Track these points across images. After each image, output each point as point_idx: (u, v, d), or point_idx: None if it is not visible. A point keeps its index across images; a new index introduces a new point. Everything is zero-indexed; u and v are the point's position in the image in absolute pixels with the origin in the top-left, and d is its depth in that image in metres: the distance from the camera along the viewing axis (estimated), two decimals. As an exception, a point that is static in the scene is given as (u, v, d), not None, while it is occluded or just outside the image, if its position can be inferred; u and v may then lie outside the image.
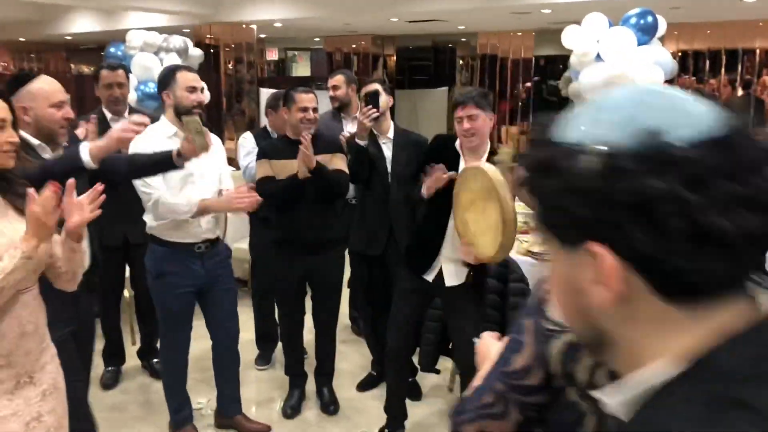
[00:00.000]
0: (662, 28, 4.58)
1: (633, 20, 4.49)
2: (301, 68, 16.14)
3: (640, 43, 4.42)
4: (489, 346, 1.29)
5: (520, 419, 1.05)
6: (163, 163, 2.68)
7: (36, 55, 16.21)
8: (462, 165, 2.96)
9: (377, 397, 3.76)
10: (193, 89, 2.99)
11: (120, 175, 2.70)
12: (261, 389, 3.96)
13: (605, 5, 4.83)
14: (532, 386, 1.02)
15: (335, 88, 4.10)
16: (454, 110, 2.89)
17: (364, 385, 3.93)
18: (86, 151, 2.31)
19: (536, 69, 12.54)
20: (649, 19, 4.50)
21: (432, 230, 3.02)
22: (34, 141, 2.39)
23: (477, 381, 1.17)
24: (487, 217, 2.62)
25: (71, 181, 1.95)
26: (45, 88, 2.41)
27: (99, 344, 3.93)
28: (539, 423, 1.07)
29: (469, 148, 2.92)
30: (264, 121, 4.35)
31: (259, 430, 3.38)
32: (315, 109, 3.34)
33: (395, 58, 14.38)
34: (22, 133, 2.29)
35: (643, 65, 4.30)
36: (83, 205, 1.95)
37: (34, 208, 1.75)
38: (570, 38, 4.55)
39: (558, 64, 12.92)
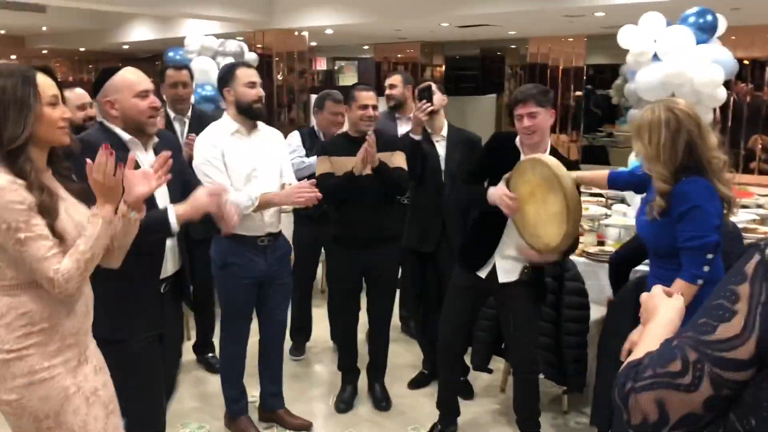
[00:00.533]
0: (722, 27, 4.47)
1: (692, 19, 4.40)
2: (348, 79, 16.29)
3: (698, 42, 4.33)
4: (660, 302, 1.20)
5: (711, 395, 0.94)
6: (158, 227, 2.36)
7: (94, 65, 16.74)
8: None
9: (428, 395, 3.75)
10: (253, 84, 3.04)
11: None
12: (303, 384, 3.99)
13: (661, 7, 4.75)
14: (738, 360, 0.92)
15: (392, 86, 4.17)
16: (513, 108, 2.85)
17: (416, 384, 3.92)
18: (174, 217, 2.30)
19: (585, 78, 12.38)
20: (709, 17, 4.40)
21: (488, 227, 3.00)
22: (125, 136, 2.36)
23: (648, 343, 1.07)
24: (549, 207, 2.60)
25: (132, 155, 2.01)
26: (128, 78, 2.36)
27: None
28: (733, 402, 0.95)
29: (529, 145, 2.89)
30: (313, 121, 4.43)
31: (300, 425, 3.39)
32: (375, 107, 3.39)
33: (443, 67, 14.39)
34: (113, 127, 2.37)
35: (702, 64, 4.21)
36: (149, 175, 2.00)
37: (95, 176, 1.83)
38: (626, 37, 4.49)
39: (607, 74, 12.77)
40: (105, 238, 1.83)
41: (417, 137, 3.52)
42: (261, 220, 3.07)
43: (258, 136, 3.11)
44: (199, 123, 3.72)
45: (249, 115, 3.05)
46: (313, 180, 3.07)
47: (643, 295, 1.28)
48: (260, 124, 3.17)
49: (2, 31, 13.41)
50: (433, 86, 3.59)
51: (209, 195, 2.37)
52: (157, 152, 2.42)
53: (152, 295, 2.43)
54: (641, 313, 1.23)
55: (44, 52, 14.88)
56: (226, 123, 3.08)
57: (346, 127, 3.74)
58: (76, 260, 1.77)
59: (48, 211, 1.76)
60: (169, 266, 2.49)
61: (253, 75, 3.07)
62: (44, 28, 12.41)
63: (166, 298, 2.50)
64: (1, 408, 1.82)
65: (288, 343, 4.16)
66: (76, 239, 1.81)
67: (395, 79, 4.20)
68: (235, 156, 3.00)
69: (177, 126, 3.85)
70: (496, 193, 2.80)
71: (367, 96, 3.36)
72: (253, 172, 3.02)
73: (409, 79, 4.23)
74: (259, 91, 3.06)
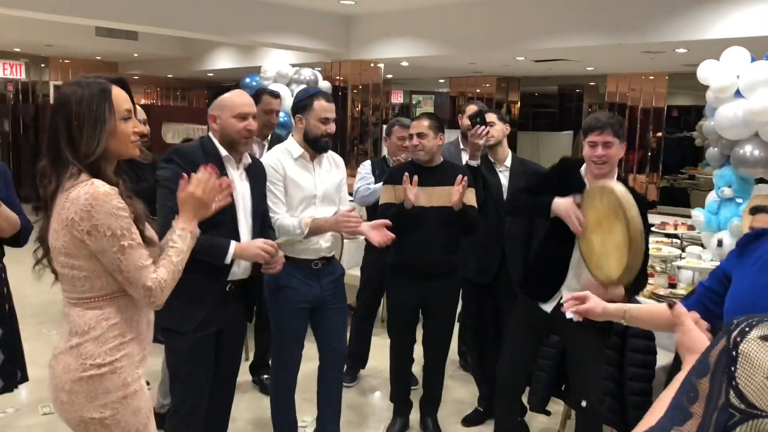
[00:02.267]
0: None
1: (778, 55, 4.21)
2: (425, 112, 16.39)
3: (786, 79, 4.12)
4: (695, 337, 1.10)
5: None
6: (215, 253, 2.53)
7: (181, 92, 17.48)
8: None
9: (479, 430, 3.64)
10: (326, 120, 3.04)
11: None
12: (354, 413, 3.93)
13: (746, 42, 4.56)
14: None
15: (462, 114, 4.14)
16: (588, 133, 2.76)
17: (470, 421, 3.81)
18: (231, 253, 2.51)
19: (668, 119, 11.99)
20: (797, 54, 4.20)
21: (554, 256, 2.88)
22: (223, 152, 2.61)
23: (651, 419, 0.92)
24: (614, 237, 2.49)
25: (227, 179, 2.13)
26: (233, 99, 2.62)
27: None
28: None
29: (596, 176, 2.78)
30: (384, 150, 4.46)
31: None
32: (421, 135, 3.34)
33: (519, 104, 14.28)
34: (214, 140, 2.63)
35: (788, 102, 4.00)
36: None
37: (195, 191, 1.93)
38: (707, 72, 4.32)
39: (691, 115, 12.35)
40: (189, 252, 1.90)
41: (475, 163, 3.46)
42: (317, 243, 3.07)
43: (320, 162, 3.13)
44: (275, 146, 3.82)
45: (314, 147, 3.07)
46: (386, 222, 3.05)
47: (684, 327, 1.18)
48: (330, 152, 3.21)
49: (98, 57, 14.20)
50: (493, 116, 3.57)
51: (262, 249, 2.54)
52: (249, 173, 2.67)
53: (218, 291, 2.59)
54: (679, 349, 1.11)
55: (136, 77, 15.65)
56: (291, 147, 3.10)
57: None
58: (171, 271, 1.81)
59: (140, 218, 1.80)
60: (239, 270, 2.63)
61: (328, 110, 3.06)
62: (136, 55, 13.07)
63: (231, 297, 2.66)
64: (89, 428, 1.77)
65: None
66: (157, 244, 1.86)
67: (468, 108, 4.14)
68: (295, 180, 3.02)
69: (256, 148, 3.93)
70: (566, 206, 2.68)
71: (415, 125, 3.38)
72: (312, 199, 3.05)
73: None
74: (330, 128, 3.06)
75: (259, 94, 4.01)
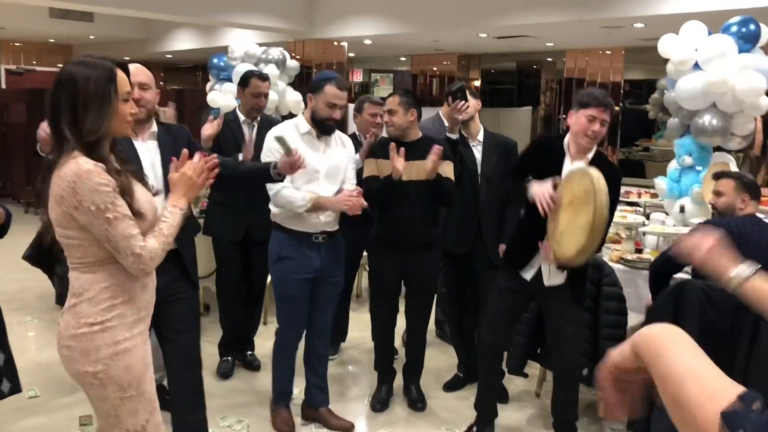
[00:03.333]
0: (765, 36, 4.45)
1: (734, 28, 4.40)
2: (384, 91, 16.43)
3: (741, 51, 4.32)
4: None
5: None
6: (262, 175, 2.90)
7: (137, 74, 17.11)
8: (566, 163, 2.98)
9: (463, 397, 3.79)
10: (333, 106, 3.14)
11: (223, 180, 2.84)
12: (339, 384, 4.04)
13: (702, 17, 4.74)
14: None
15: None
16: (588, 107, 2.87)
17: (451, 386, 3.96)
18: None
19: (623, 93, 12.27)
20: (751, 26, 4.39)
21: (533, 227, 3.02)
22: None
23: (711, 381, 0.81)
24: (579, 219, 2.63)
25: (185, 151, 2.19)
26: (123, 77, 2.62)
27: (217, 336, 4.18)
28: None
29: (581, 150, 2.93)
30: (353, 126, 4.51)
31: (342, 426, 3.43)
32: (391, 111, 3.45)
33: (479, 81, 14.42)
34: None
35: (744, 72, 4.20)
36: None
37: (187, 172, 2.05)
38: (667, 46, 4.50)
39: (643, 89, 12.65)
40: (179, 226, 2.02)
41: (454, 136, 3.58)
42: (317, 218, 3.18)
43: (327, 141, 3.22)
44: (268, 128, 3.84)
45: (320, 128, 3.18)
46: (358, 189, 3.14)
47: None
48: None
49: (52, 40, 13.85)
50: (464, 87, 3.67)
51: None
52: (161, 142, 2.70)
53: None
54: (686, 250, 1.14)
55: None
56: (300, 123, 3.22)
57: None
58: (162, 242, 1.94)
59: (127, 191, 1.88)
60: None
61: (338, 97, 3.14)
62: (92, 37, 12.79)
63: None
64: (86, 380, 1.92)
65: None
66: (151, 216, 1.96)
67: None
68: (302, 154, 3.08)
69: (246, 129, 3.95)
70: (539, 190, 2.82)
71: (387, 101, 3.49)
72: (315, 174, 3.13)
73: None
74: (336, 114, 3.15)
75: (247, 77, 4.03)
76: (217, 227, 4.02)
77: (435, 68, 13.97)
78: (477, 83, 14.20)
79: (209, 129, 3.78)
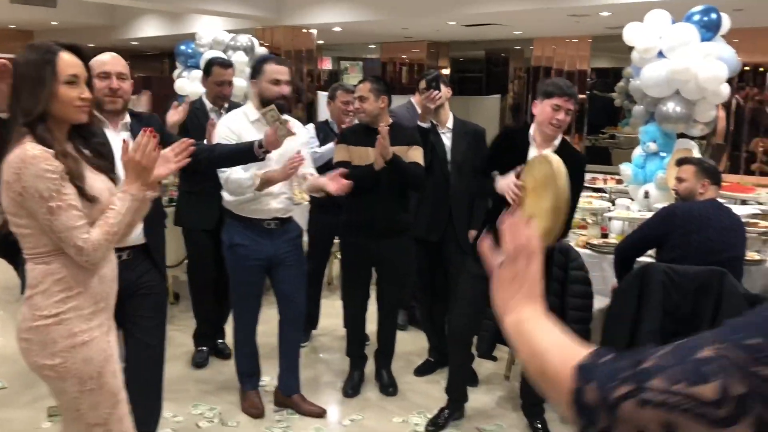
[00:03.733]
0: (726, 25, 4.55)
1: (696, 17, 4.48)
2: (353, 79, 16.38)
3: (703, 40, 4.41)
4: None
5: None
6: (244, 154, 2.89)
7: (102, 61, 16.80)
8: (532, 152, 3.02)
9: (434, 382, 3.84)
10: (276, 82, 3.13)
11: (202, 163, 2.84)
12: (311, 370, 4.07)
13: (666, 6, 4.82)
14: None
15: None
16: (553, 96, 2.93)
17: (421, 371, 4.00)
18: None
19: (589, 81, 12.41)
20: (713, 15, 4.48)
21: (500, 214, 3.06)
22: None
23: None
24: (542, 203, 2.68)
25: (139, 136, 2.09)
26: (96, 59, 2.56)
27: (192, 326, 4.15)
28: None
29: (546, 139, 2.98)
30: (326, 114, 4.51)
31: (314, 412, 3.45)
32: (362, 98, 3.46)
33: (448, 69, 14.46)
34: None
35: (706, 60, 4.29)
36: (169, 157, 2.11)
37: (134, 155, 1.93)
38: (632, 34, 4.57)
39: (610, 77, 12.83)
40: (131, 214, 1.93)
41: (425, 125, 3.60)
42: (268, 204, 3.18)
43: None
44: None
45: None
46: (343, 171, 3.12)
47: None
48: (286, 116, 3.25)
49: (12, 26, 13.52)
50: (439, 76, 3.70)
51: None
52: (133, 132, 2.61)
53: None
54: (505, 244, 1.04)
55: (49, 44, 14.96)
56: (248, 110, 3.20)
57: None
58: (106, 232, 1.87)
59: (76, 175, 1.84)
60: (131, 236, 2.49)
61: (279, 72, 3.15)
62: (54, 23, 12.52)
63: (127, 266, 2.50)
64: (44, 373, 1.89)
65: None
66: (108, 202, 1.90)
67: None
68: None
69: (214, 116, 3.91)
70: (505, 183, 2.87)
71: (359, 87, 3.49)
72: (267, 161, 3.08)
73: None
74: (283, 89, 3.14)
75: (209, 66, 3.99)
76: (188, 217, 3.99)
77: (404, 56, 13.98)
78: (446, 71, 14.24)
79: (174, 116, 3.75)
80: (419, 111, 4.41)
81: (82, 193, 1.84)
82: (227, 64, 4.02)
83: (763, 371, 0.68)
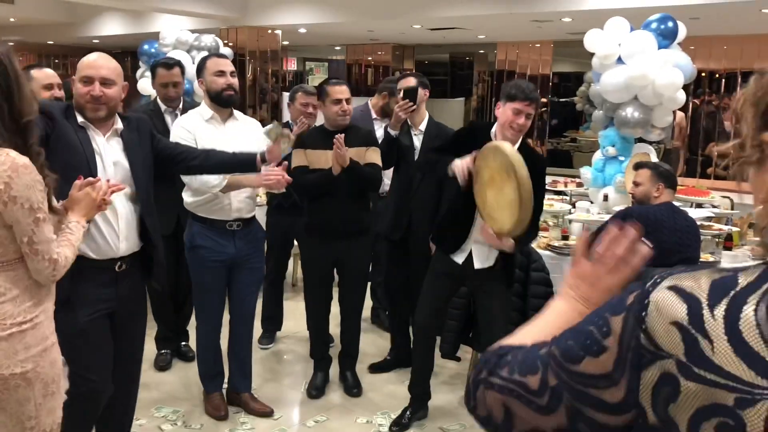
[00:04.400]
0: (682, 33, 4.69)
1: (654, 25, 4.61)
2: (318, 80, 16.31)
3: (660, 47, 4.53)
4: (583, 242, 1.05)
5: (566, 425, 0.82)
6: (244, 165, 2.94)
7: (62, 60, 16.52)
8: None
9: (398, 382, 3.87)
10: (221, 73, 3.14)
11: (193, 168, 2.90)
12: (275, 372, 4.07)
13: (625, 13, 4.94)
14: (604, 402, 0.79)
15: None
16: (514, 100, 2.95)
17: (378, 368, 4.03)
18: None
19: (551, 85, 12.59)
20: (670, 24, 4.61)
21: (462, 211, 3.11)
22: (79, 118, 2.44)
23: (534, 329, 0.98)
24: (505, 195, 2.72)
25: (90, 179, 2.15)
26: (81, 61, 2.48)
27: (154, 329, 4.07)
28: None
29: (510, 140, 3.02)
30: (287, 115, 4.52)
31: (262, 411, 3.45)
32: (348, 100, 3.48)
33: (413, 71, 14.54)
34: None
35: (663, 67, 4.41)
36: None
37: (91, 193, 2.03)
38: (592, 41, 4.67)
39: (571, 81, 13.05)
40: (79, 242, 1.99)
41: (395, 133, 3.64)
42: (229, 205, 3.18)
43: (234, 125, 3.21)
44: None
45: (219, 102, 3.15)
46: (284, 165, 3.10)
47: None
48: (237, 113, 3.27)
49: (-33, 22, 13.17)
50: (413, 80, 3.75)
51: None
52: (123, 138, 2.54)
53: (106, 271, 2.49)
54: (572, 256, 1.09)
55: (10, 44, 14.63)
56: (202, 110, 3.20)
57: (320, 120, 3.82)
58: (72, 253, 1.90)
59: (53, 190, 1.85)
60: (122, 246, 2.51)
61: (222, 64, 3.17)
62: (12, 20, 12.24)
63: (122, 276, 2.54)
64: (10, 383, 1.78)
65: (258, 331, 4.26)
66: (62, 212, 1.92)
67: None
68: (208, 142, 3.07)
69: (168, 118, 3.88)
70: (457, 163, 2.91)
71: (340, 90, 3.45)
72: None
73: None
74: (228, 80, 3.15)
75: (153, 68, 3.98)
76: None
77: (370, 58, 14.01)
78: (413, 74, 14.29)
79: None
80: (373, 114, 4.48)
81: (51, 207, 1.84)
82: (171, 65, 3.96)
83: (571, 367, 0.80)
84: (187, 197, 3.22)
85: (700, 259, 3.56)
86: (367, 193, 3.61)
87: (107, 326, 2.55)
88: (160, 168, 2.71)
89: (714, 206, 5.14)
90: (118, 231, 2.49)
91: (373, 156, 3.49)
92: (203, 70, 3.18)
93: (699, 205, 5.13)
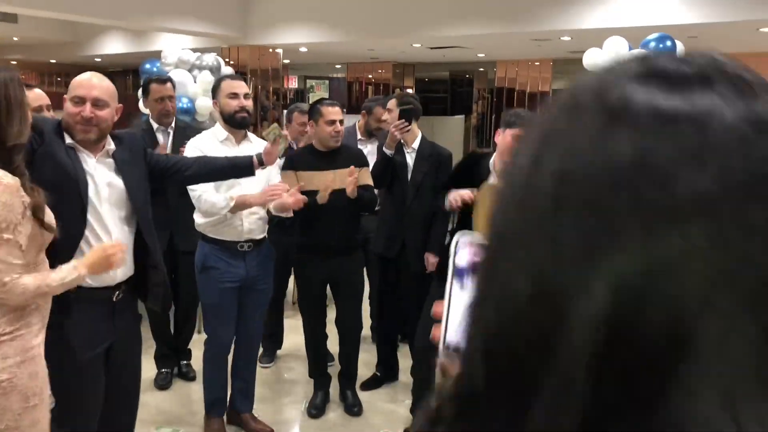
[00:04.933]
0: (680, 52, 4.71)
1: (652, 44, 4.64)
2: (317, 98, 16.42)
3: (659, 66, 4.56)
4: None
5: None
6: (242, 169, 2.89)
7: (64, 78, 16.62)
8: (490, 181, 3.07)
9: (399, 401, 3.85)
10: (234, 95, 3.15)
11: (189, 179, 2.87)
12: (276, 391, 4.05)
13: (624, 32, 4.98)
14: None
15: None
16: (510, 127, 2.95)
17: (367, 385, 4.01)
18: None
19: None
20: (668, 43, 4.64)
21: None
22: (68, 139, 2.37)
23: None
24: None
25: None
26: (74, 80, 2.42)
27: (151, 346, 4.04)
28: None
29: None
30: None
31: (262, 431, 3.43)
32: (341, 122, 3.49)
33: (413, 89, 14.62)
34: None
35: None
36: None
37: (111, 255, 2.05)
38: (591, 60, 4.70)
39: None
40: (67, 287, 1.98)
41: (390, 152, 3.66)
42: (241, 226, 3.17)
43: (248, 147, 3.21)
44: (183, 134, 3.81)
45: (232, 124, 3.16)
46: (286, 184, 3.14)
47: None
48: (251, 135, 3.30)
49: (-29, 41, 13.28)
50: (414, 104, 3.79)
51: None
52: (116, 158, 2.46)
53: (102, 302, 2.41)
54: None
55: (14, 63, 14.75)
56: (217, 131, 3.22)
57: (308, 139, 3.83)
58: (38, 286, 1.87)
59: (41, 209, 1.84)
60: (119, 271, 2.42)
61: (236, 87, 3.19)
62: (15, 39, 12.34)
63: (119, 306, 2.47)
64: None
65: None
66: (54, 230, 1.91)
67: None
68: None
69: (161, 137, 3.90)
70: (454, 193, 2.94)
71: (333, 111, 3.44)
72: (236, 180, 3.09)
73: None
74: (241, 102, 3.16)
75: (146, 84, 3.99)
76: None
77: (370, 76, 14.10)
78: (411, 91, 14.39)
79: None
80: (359, 135, 4.53)
81: (42, 224, 1.84)
82: (164, 80, 4.00)
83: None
84: (198, 218, 3.21)
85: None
86: (359, 211, 3.62)
87: (102, 366, 2.46)
88: (154, 182, 2.67)
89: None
90: (125, 260, 2.41)
91: (366, 177, 3.51)
92: (218, 91, 3.20)
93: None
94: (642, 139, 0.36)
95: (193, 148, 3.13)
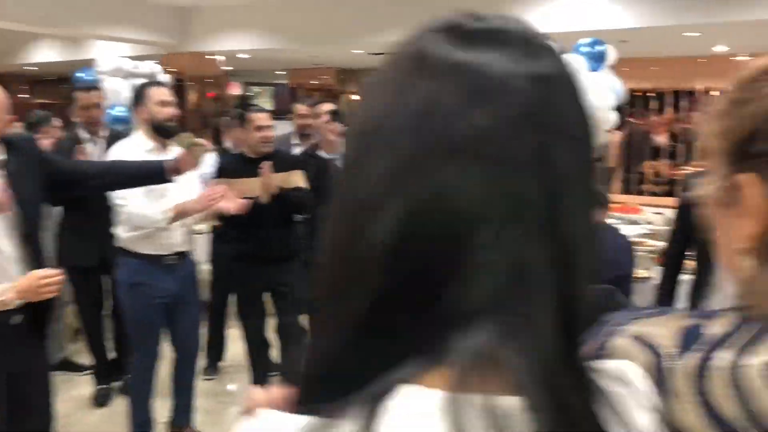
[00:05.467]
0: (612, 56, 4.86)
1: (584, 48, 4.77)
2: (263, 105, 16.30)
3: (591, 70, 4.69)
4: None
5: None
6: (152, 176, 2.70)
7: (-5, 86, 16.04)
8: None
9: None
10: (165, 103, 3.08)
11: (97, 187, 2.73)
12: (220, 402, 4.01)
13: (556, 37, 5.11)
14: None
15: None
16: None
17: None
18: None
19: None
20: (599, 47, 4.78)
21: None
22: None
23: None
24: None
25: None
26: None
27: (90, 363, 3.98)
28: None
29: None
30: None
31: None
32: (270, 127, 3.47)
33: (359, 96, 14.65)
34: None
35: (594, 90, 4.56)
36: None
37: (44, 287, 2.04)
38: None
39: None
40: None
41: (332, 156, 3.67)
42: (170, 238, 3.09)
43: (171, 155, 3.13)
44: (115, 143, 3.71)
45: (161, 133, 3.08)
46: (225, 187, 3.08)
47: None
48: (171, 144, 3.21)
49: None
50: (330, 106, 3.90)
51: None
52: (9, 164, 2.25)
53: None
54: None
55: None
56: (140, 140, 3.09)
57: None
58: None
59: None
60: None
61: (165, 94, 3.11)
62: (-59, 47, 11.86)
63: (19, 333, 2.22)
64: None
65: (201, 362, 4.18)
66: None
67: (327, 106, 4.28)
68: None
69: (90, 147, 3.80)
70: None
71: (261, 117, 3.44)
72: (164, 189, 2.98)
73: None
74: (172, 111, 3.10)
75: (71, 94, 3.91)
76: (66, 254, 3.64)
77: (313, 81, 14.06)
78: (356, 97, 14.42)
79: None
80: (295, 140, 4.58)
81: None
82: (90, 87, 3.91)
83: None
84: (122, 232, 3.08)
85: (635, 276, 3.66)
86: (293, 216, 3.60)
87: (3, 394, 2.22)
88: (58, 190, 2.48)
89: (649, 223, 5.30)
90: (12, 276, 2.17)
91: (298, 179, 3.49)
92: (144, 98, 3.07)
93: (633, 222, 5.28)
94: (431, 85, 0.44)
95: (117, 158, 3.01)
